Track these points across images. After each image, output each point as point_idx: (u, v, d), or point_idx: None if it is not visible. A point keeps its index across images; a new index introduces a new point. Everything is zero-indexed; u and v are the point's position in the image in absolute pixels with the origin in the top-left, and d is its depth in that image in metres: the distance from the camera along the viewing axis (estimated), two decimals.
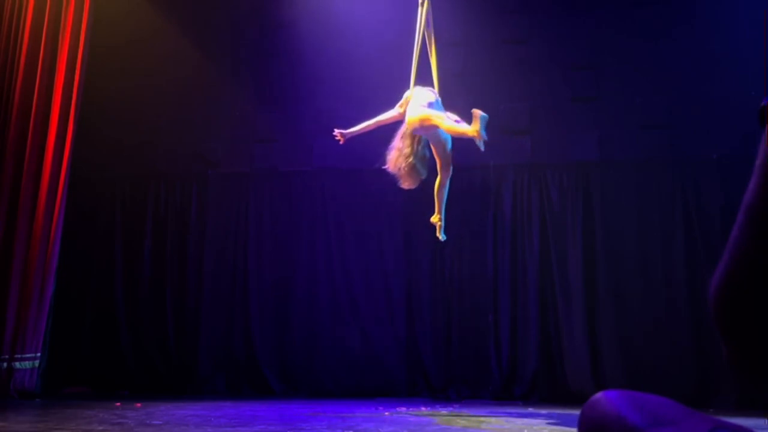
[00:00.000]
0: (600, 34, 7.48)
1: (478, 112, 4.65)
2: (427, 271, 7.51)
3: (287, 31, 7.85)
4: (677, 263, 6.96)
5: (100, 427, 4.20)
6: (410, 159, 5.15)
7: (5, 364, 6.50)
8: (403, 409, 5.90)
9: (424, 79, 5.47)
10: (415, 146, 5.19)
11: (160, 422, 4.53)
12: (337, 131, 5.56)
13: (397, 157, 5.19)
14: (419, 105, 5.18)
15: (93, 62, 7.27)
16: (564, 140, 7.43)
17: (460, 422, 4.94)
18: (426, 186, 7.47)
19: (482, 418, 5.29)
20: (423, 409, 6.00)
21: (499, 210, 7.46)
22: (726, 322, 0.79)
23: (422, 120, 5.09)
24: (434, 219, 5.52)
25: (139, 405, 5.78)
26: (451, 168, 5.39)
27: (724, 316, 0.79)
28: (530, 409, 6.15)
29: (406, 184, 5.28)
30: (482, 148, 4.78)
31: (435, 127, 5.11)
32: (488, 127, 4.72)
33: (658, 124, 7.26)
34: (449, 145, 5.32)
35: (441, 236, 5.55)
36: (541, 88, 7.51)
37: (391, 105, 5.43)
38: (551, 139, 7.47)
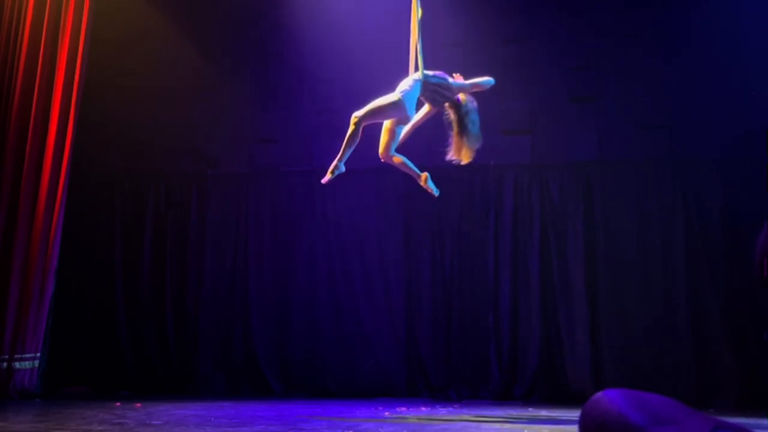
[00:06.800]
0: (600, 34, 7.46)
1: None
2: (427, 271, 7.50)
3: (287, 31, 7.84)
4: (677, 263, 6.95)
5: (100, 427, 4.20)
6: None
7: (5, 364, 6.50)
8: (403, 409, 5.90)
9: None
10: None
11: (160, 422, 4.53)
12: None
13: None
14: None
15: (93, 61, 7.27)
16: (564, 140, 7.42)
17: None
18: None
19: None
20: (423, 409, 6.00)
21: (500, 210, 7.45)
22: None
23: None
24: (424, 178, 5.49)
25: (138, 405, 5.78)
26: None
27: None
28: (530, 409, 6.15)
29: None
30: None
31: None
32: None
33: (658, 124, 7.25)
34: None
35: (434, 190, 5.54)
36: (541, 88, 7.50)
37: None
38: (551, 139, 7.46)
